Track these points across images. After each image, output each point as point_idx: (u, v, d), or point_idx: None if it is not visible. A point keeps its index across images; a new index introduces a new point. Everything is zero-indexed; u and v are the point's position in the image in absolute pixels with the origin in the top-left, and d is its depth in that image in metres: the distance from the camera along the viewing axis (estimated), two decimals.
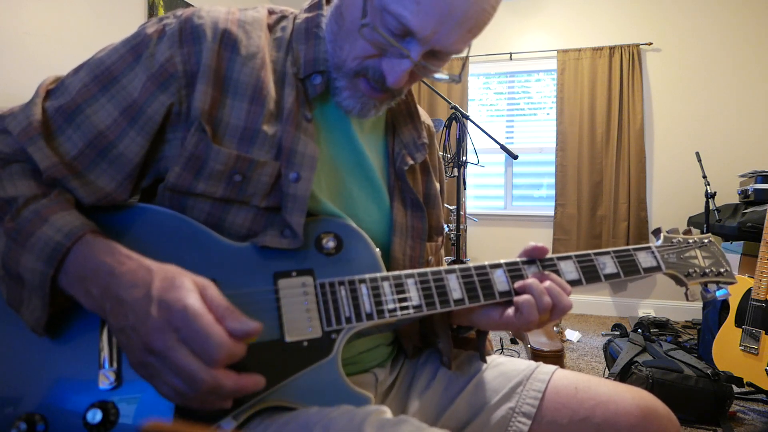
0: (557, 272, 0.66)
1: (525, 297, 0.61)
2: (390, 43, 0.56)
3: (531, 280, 0.63)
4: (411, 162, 0.74)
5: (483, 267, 0.65)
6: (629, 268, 0.69)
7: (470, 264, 0.64)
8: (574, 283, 0.66)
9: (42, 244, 0.50)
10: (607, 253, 0.69)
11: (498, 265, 0.65)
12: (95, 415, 0.49)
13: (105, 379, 0.50)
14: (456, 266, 0.64)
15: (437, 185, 0.81)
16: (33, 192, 0.54)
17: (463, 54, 0.63)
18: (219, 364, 0.44)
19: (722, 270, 0.75)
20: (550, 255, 0.67)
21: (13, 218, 0.51)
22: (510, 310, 0.63)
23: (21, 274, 0.50)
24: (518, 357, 2.41)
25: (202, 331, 0.44)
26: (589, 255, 0.68)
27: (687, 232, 0.77)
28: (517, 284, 0.64)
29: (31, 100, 0.58)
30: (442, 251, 0.84)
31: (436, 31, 0.55)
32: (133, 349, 0.46)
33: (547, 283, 0.63)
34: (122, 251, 0.51)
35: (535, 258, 0.66)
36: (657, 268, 0.71)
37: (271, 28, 0.66)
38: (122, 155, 0.58)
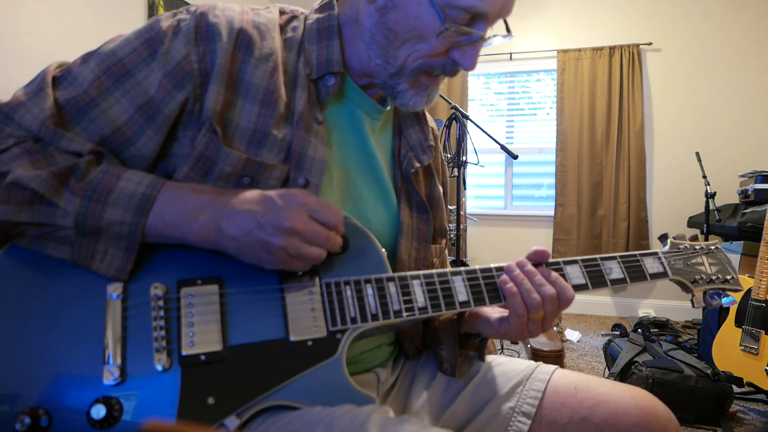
0: (564, 277, 0.66)
1: (509, 285, 0.62)
2: (467, 34, 0.60)
3: (516, 272, 0.63)
4: (417, 164, 0.74)
5: (489, 269, 0.65)
6: (636, 273, 0.69)
7: (476, 266, 0.65)
8: (580, 287, 0.66)
9: (126, 197, 0.53)
10: (614, 258, 0.69)
11: (503, 269, 0.65)
12: (99, 411, 0.49)
13: (109, 375, 0.50)
14: (462, 268, 0.64)
15: (440, 188, 0.81)
16: (86, 159, 0.55)
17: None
18: (341, 224, 0.57)
19: (729, 277, 0.75)
20: (556, 258, 0.67)
21: (81, 179, 0.53)
22: (505, 321, 0.64)
23: (103, 228, 0.52)
24: (518, 357, 2.41)
25: (324, 203, 0.56)
26: (595, 260, 0.68)
27: (694, 238, 0.77)
28: (501, 278, 0.63)
29: (39, 89, 0.56)
30: (446, 253, 0.84)
31: (503, 7, 0.60)
32: (271, 243, 0.53)
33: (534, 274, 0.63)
34: (198, 185, 0.57)
35: (537, 261, 0.66)
36: (663, 274, 0.71)
37: (282, 28, 0.66)
38: (139, 152, 0.58)
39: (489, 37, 0.63)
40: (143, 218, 0.53)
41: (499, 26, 0.64)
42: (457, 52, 0.62)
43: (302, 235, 0.54)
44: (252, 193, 0.55)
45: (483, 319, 0.68)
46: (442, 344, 0.73)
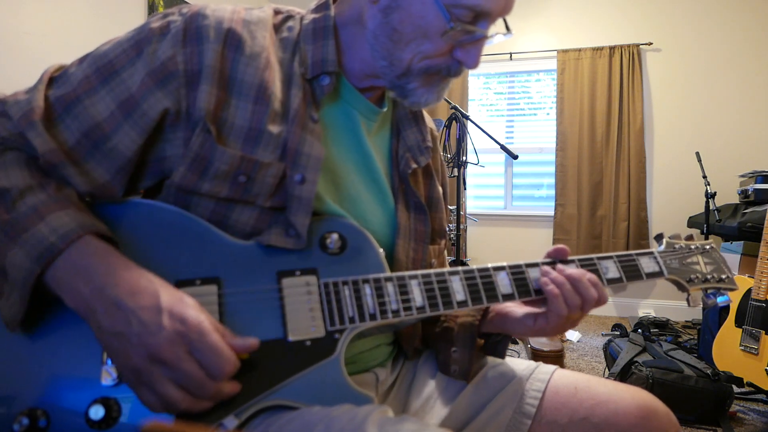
0: None
1: (556, 295, 0.63)
2: (472, 33, 0.60)
3: (554, 275, 0.64)
4: (414, 165, 0.74)
5: (486, 269, 0.65)
6: (632, 273, 0.69)
7: (473, 266, 0.65)
8: None
9: (34, 241, 0.50)
10: (610, 257, 0.69)
11: (501, 268, 0.65)
12: (98, 412, 0.49)
13: (108, 376, 0.50)
14: (459, 268, 0.64)
15: (440, 189, 0.81)
16: (27, 183, 0.53)
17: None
18: (226, 378, 0.49)
19: (724, 276, 0.75)
20: (553, 258, 0.68)
21: (8, 211, 0.51)
22: (542, 318, 0.65)
23: (5, 267, 0.50)
24: (518, 357, 2.41)
25: (215, 347, 0.48)
26: (591, 259, 0.69)
27: (689, 238, 0.78)
28: (542, 280, 0.64)
29: (34, 87, 0.58)
30: (446, 254, 0.84)
31: (506, 5, 0.61)
32: (129, 355, 0.47)
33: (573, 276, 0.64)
34: (121, 257, 0.52)
35: (557, 258, 0.68)
36: (659, 274, 0.71)
37: (276, 28, 0.66)
38: (115, 148, 0.57)
39: (491, 36, 0.63)
40: (39, 268, 0.49)
41: (499, 24, 0.65)
42: (460, 51, 0.62)
43: (168, 370, 0.47)
44: (146, 289, 0.49)
45: (514, 319, 0.69)
46: (455, 346, 0.72)
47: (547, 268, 0.65)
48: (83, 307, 0.49)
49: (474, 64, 0.63)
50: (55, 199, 0.53)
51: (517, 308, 0.70)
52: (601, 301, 0.65)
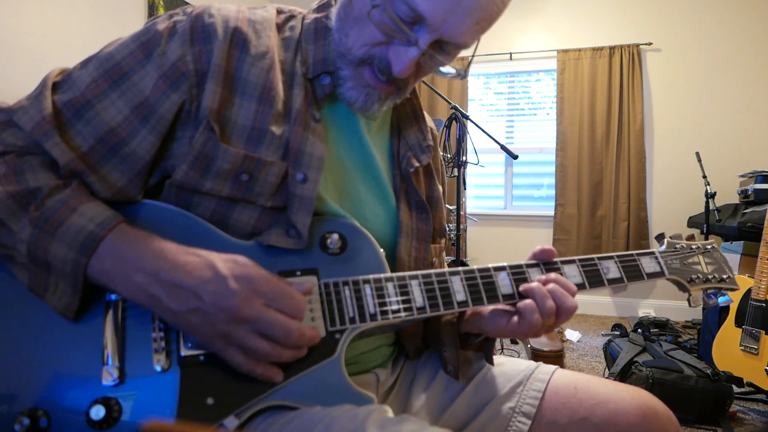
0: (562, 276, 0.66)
1: (527, 302, 0.61)
2: (399, 27, 0.56)
3: (534, 284, 0.62)
4: (416, 164, 0.74)
5: (487, 269, 0.65)
6: (633, 273, 0.69)
7: (474, 267, 0.65)
8: (577, 287, 0.66)
9: (74, 232, 0.51)
10: (611, 257, 0.69)
11: (502, 268, 0.65)
12: (98, 412, 0.49)
13: (108, 376, 0.50)
14: (460, 268, 0.64)
15: (440, 188, 0.81)
16: (54, 183, 0.54)
17: (469, 52, 0.63)
18: (302, 316, 0.53)
19: (725, 276, 0.75)
20: (554, 258, 0.67)
21: (38, 207, 0.52)
22: (516, 318, 0.63)
23: (50, 261, 0.51)
24: (518, 357, 2.41)
25: (285, 291, 0.52)
26: (593, 259, 0.68)
27: (690, 238, 0.77)
28: (522, 287, 0.63)
29: (39, 93, 0.57)
30: (444, 254, 0.84)
31: (445, 19, 0.55)
32: (213, 324, 0.49)
33: (551, 285, 0.62)
34: (161, 240, 0.53)
35: (543, 260, 0.66)
36: (660, 274, 0.71)
37: (279, 27, 0.66)
38: (134, 153, 0.57)
39: (434, 56, 0.58)
40: (85, 257, 0.50)
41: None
42: (393, 49, 0.59)
43: (253, 325, 0.50)
44: (200, 264, 0.51)
45: (485, 317, 0.68)
46: (445, 346, 0.73)
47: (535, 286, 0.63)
48: (143, 295, 0.50)
49: (398, 70, 0.58)
50: (80, 193, 0.54)
51: (489, 306, 0.68)
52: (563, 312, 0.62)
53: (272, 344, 0.51)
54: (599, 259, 0.69)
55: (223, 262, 0.51)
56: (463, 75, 0.63)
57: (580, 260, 0.68)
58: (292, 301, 0.52)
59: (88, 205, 0.53)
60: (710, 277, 0.74)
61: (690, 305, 0.73)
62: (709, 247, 0.77)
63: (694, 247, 0.76)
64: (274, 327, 0.50)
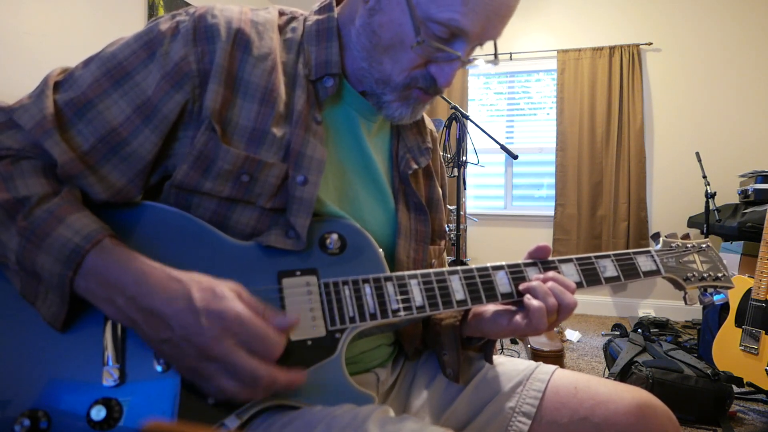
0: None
1: (534, 303, 0.61)
2: (444, 51, 0.58)
3: (535, 283, 0.63)
4: (415, 166, 0.74)
5: (485, 269, 0.65)
6: (629, 271, 0.70)
7: (472, 266, 0.65)
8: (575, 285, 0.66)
9: (59, 245, 0.50)
10: (608, 256, 0.70)
11: (500, 267, 0.65)
12: (99, 412, 0.49)
13: (109, 376, 0.50)
14: (458, 268, 0.64)
15: (440, 190, 0.82)
16: (45, 190, 0.53)
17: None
18: (275, 359, 0.50)
19: (720, 275, 0.76)
20: (551, 257, 0.68)
21: (26, 217, 0.51)
22: (518, 317, 0.63)
23: (38, 272, 0.50)
24: (518, 357, 2.41)
25: (259, 333, 0.49)
26: (590, 258, 0.69)
27: (685, 237, 0.78)
28: (521, 286, 0.64)
29: (41, 92, 0.57)
30: (445, 255, 0.84)
31: (484, 27, 0.58)
32: (184, 357, 0.48)
33: (550, 283, 0.63)
34: (145, 260, 0.51)
35: (538, 258, 0.67)
36: (656, 272, 0.72)
37: (281, 29, 0.66)
38: (135, 152, 0.57)
39: (472, 59, 0.62)
40: (71, 272, 0.49)
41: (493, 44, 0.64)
42: (434, 66, 0.62)
43: (221, 365, 0.48)
44: (178, 292, 0.49)
45: (487, 319, 0.68)
46: (444, 349, 0.73)
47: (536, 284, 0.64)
48: (124, 318, 0.50)
49: (444, 83, 0.62)
50: (68, 201, 0.53)
51: (490, 307, 0.69)
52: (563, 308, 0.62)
53: (241, 386, 0.48)
54: (596, 257, 0.69)
55: (199, 292, 0.49)
56: (496, 62, 0.67)
57: (577, 259, 0.69)
58: (265, 343, 0.49)
59: (76, 216, 0.52)
60: (705, 275, 0.75)
61: (686, 303, 0.74)
62: (704, 245, 0.78)
63: (689, 245, 0.77)
64: (241, 371, 0.47)
